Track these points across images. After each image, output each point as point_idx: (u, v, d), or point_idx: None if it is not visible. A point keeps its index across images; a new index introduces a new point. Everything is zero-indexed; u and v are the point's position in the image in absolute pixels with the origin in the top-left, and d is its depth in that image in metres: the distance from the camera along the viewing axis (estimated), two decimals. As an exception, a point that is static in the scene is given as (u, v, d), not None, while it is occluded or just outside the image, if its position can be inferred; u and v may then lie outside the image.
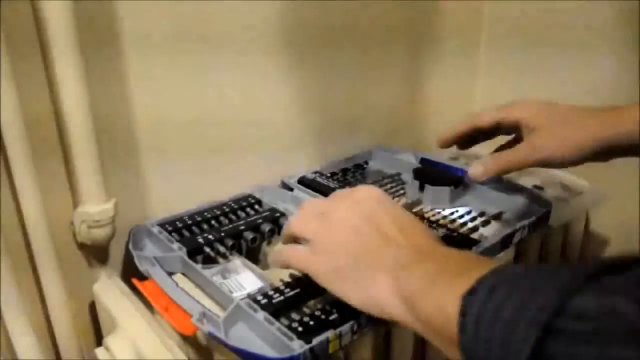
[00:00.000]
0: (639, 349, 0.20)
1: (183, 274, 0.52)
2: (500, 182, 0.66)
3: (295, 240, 0.44)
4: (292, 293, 0.45)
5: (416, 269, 0.36)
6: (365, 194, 0.44)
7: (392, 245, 0.39)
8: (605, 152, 0.47)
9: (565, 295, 0.23)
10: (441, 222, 0.59)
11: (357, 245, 0.40)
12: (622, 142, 0.46)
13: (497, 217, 0.60)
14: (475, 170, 0.50)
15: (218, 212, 0.60)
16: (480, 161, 0.50)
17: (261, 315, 0.43)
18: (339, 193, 0.45)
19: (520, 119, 0.51)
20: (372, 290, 0.37)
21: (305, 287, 0.46)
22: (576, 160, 0.48)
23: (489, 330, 0.26)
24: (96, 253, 0.57)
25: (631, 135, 0.45)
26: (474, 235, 0.56)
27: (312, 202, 0.46)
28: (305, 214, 0.45)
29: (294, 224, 0.44)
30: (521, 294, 0.25)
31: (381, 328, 0.50)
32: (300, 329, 0.41)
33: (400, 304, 0.35)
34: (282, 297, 0.45)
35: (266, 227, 0.57)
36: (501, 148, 0.56)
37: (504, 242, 0.55)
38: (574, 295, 0.23)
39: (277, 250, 0.47)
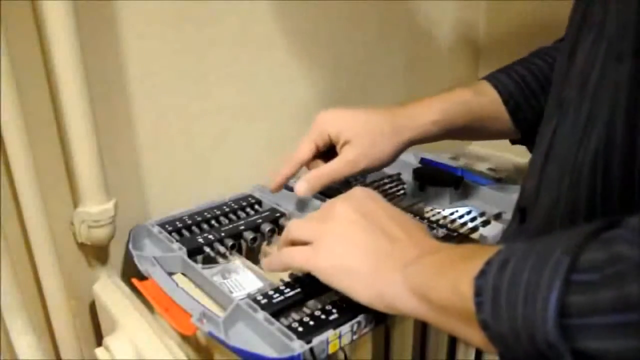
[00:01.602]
0: None
1: (183, 274, 0.52)
2: (500, 182, 0.66)
3: (293, 244, 0.45)
4: (292, 293, 0.45)
5: (424, 262, 0.37)
6: (361, 193, 0.46)
7: (396, 243, 0.40)
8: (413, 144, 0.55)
9: (575, 253, 0.25)
10: (441, 222, 0.59)
11: (360, 243, 0.41)
12: (423, 139, 0.55)
13: (497, 217, 0.60)
14: (300, 187, 0.54)
15: (218, 212, 0.60)
16: (304, 178, 0.54)
17: (261, 315, 0.43)
18: (333, 198, 0.47)
19: (332, 137, 0.54)
20: (381, 288, 0.38)
21: (305, 287, 0.46)
22: (387, 164, 0.54)
23: (509, 297, 0.27)
24: (96, 253, 0.57)
25: (427, 133, 0.54)
26: (474, 236, 0.56)
27: (310, 213, 0.48)
28: (305, 219, 0.46)
29: (293, 228, 0.46)
30: (534, 259, 0.27)
31: (381, 328, 0.50)
32: (300, 329, 0.41)
33: (412, 298, 0.36)
34: (282, 297, 0.45)
35: (266, 227, 0.57)
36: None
37: (504, 242, 0.55)
38: (582, 252, 0.25)
39: (270, 254, 0.47)
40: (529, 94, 0.54)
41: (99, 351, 0.49)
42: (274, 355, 0.40)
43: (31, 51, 0.48)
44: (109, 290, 0.55)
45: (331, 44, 0.71)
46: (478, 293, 0.30)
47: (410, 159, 0.74)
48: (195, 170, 0.63)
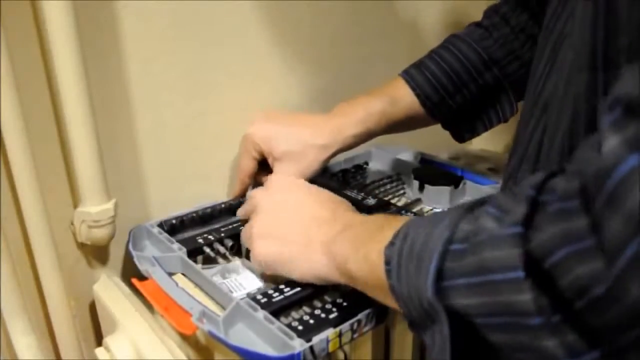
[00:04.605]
0: (500, 248, 0.27)
1: (183, 274, 0.52)
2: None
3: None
4: (292, 292, 0.45)
5: (344, 237, 0.42)
6: (279, 182, 0.51)
7: (321, 224, 0.45)
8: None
9: (453, 227, 0.30)
10: (441, 221, 0.59)
11: (289, 233, 0.46)
12: (346, 150, 0.59)
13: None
14: (232, 193, 0.62)
15: (218, 213, 0.60)
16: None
17: (261, 314, 0.43)
18: (254, 191, 0.52)
19: (263, 151, 0.58)
20: (315, 270, 0.44)
21: (305, 286, 0.46)
22: (315, 174, 0.58)
23: (407, 266, 0.33)
24: (96, 253, 0.57)
25: (350, 146, 0.58)
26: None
27: (256, 205, 0.51)
28: (250, 222, 0.50)
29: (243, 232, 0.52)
30: (425, 232, 0.32)
31: (381, 328, 0.50)
32: (300, 327, 0.41)
33: (339, 274, 0.42)
34: (282, 296, 0.45)
35: (266, 227, 0.57)
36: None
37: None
38: (458, 226, 0.30)
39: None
40: (444, 94, 0.59)
41: (99, 351, 0.49)
42: (274, 354, 0.40)
43: (31, 51, 0.48)
44: (109, 290, 0.55)
45: (332, 44, 0.71)
46: (387, 262, 0.35)
47: (410, 159, 0.74)
48: (195, 171, 0.63)
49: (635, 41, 0.30)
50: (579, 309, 0.24)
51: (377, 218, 0.42)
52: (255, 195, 0.52)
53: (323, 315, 0.43)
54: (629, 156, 0.21)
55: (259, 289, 0.48)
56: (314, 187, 0.51)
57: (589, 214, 0.23)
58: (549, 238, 0.25)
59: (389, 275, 0.34)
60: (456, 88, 0.58)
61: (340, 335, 0.41)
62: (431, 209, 0.62)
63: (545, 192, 0.27)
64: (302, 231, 0.45)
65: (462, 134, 0.63)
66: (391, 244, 0.35)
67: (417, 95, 0.59)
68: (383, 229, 0.37)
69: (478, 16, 0.62)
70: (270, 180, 0.52)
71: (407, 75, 0.60)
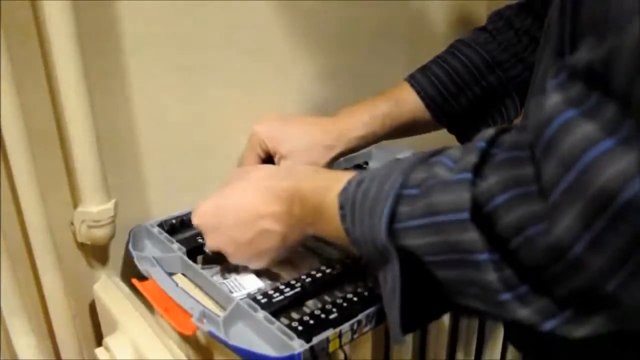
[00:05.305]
0: (449, 192, 0.29)
1: (183, 274, 0.52)
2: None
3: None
4: (292, 292, 0.45)
5: (305, 221, 0.43)
6: (205, 213, 0.49)
7: (276, 237, 0.45)
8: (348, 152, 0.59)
9: (406, 173, 0.33)
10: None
11: (259, 254, 0.47)
12: (351, 152, 0.59)
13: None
14: None
15: (218, 212, 0.60)
16: None
17: (261, 314, 0.43)
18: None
19: (269, 149, 0.58)
20: (293, 243, 0.46)
21: (305, 286, 0.46)
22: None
23: (361, 209, 0.35)
24: (96, 253, 0.57)
25: (355, 148, 0.58)
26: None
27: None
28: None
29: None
30: (380, 179, 0.35)
31: (381, 328, 0.50)
32: (300, 328, 0.41)
33: (308, 232, 0.44)
34: (282, 297, 0.45)
35: (266, 227, 0.57)
36: None
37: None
38: (411, 172, 0.33)
39: None
40: (447, 96, 0.59)
41: (99, 351, 0.49)
42: (274, 354, 0.40)
43: (31, 51, 0.48)
44: (109, 290, 0.55)
45: (331, 45, 0.71)
46: (341, 207, 0.37)
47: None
48: (196, 171, 0.63)
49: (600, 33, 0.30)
50: (515, 247, 0.27)
51: (321, 179, 0.43)
52: (194, 221, 0.50)
53: (323, 316, 0.43)
54: (566, 110, 0.24)
55: (259, 289, 0.48)
56: (257, 187, 0.47)
57: (535, 163, 0.26)
58: (494, 183, 0.27)
59: (343, 220, 0.37)
60: (459, 90, 0.59)
61: (340, 335, 0.41)
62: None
63: (495, 145, 0.30)
64: (267, 248, 0.46)
65: (467, 137, 0.63)
66: (344, 189, 0.37)
67: (422, 98, 0.59)
68: (330, 188, 0.39)
69: (479, 16, 0.62)
70: (198, 209, 0.49)
71: (412, 79, 0.60)
